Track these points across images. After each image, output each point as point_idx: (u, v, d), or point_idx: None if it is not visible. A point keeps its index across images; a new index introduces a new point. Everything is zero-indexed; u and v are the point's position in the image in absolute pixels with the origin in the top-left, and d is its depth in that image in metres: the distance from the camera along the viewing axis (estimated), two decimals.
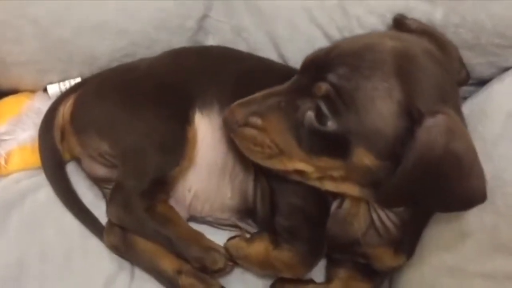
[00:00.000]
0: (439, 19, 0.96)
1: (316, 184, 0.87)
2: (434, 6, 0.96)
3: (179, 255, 0.94)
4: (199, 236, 0.96)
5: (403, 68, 0.77)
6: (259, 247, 0.93)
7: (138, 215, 0.94)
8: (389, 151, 0.76)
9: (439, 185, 0.75)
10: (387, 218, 0.89)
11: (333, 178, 0.85)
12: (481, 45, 0.95)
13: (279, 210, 0.92)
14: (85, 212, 1.02)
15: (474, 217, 0.85)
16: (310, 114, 0.80)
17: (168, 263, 0.94)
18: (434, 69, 0.80)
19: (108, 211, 0.97)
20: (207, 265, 0.93)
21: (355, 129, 0.77)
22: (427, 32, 0.90)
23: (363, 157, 0.78)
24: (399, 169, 0.75)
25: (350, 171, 0.81)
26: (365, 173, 0.80)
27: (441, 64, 0.81)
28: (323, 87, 0.78)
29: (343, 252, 0.96)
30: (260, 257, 0.93)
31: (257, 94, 0.86)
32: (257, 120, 0.84)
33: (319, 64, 0.82)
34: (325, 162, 0.82)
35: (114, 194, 0.96)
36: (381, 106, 0.76)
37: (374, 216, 0.89)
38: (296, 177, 0.88)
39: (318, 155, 0.82)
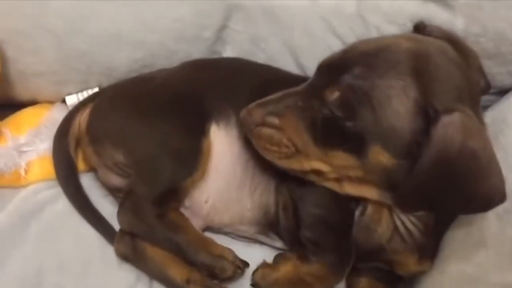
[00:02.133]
0: (460, 28, 0.95)
1: (336, 187, 0.87)
2: (454, 15, 0.96)
3: (189, 262, 0.94)
4: (209, 243, 0.97)
5: (419, 67, 0.77)
6: (287, 267, 0.93)
7: (149, 221, 0.94)
8: (405, 149, 0.76)
9: (456, 185, 0.75)
10: (410, 223, 0.88)
11: (350, 180, 0.85)
12: (501, 54, 0.95)
13: (303, 222, 0.92)
14: (99, 219, 1.02)
15: (495, 227, 0.84)
16: (327, 113, 0.80)
17: (177, 272, 0.94)
18: (450, 69, 0.79)
19: (118, 217, 0.97)
20: (216, 273, 0.94)
21: (371, 127, 0.77)
22: (449, 39, 0.89)
23: (379, 156, 0.78)
24: (416, 169, 0.74)
25: (366, 170, 0.81)
26: (381, 173, 0.80)
27: (458, 66, 0.81)
28: (335, 92, 0.79)
29: (368, 260, 0.95)
30: (290, 276, 0.92)
31: (274, 95, 0.87)
32: (274, 120, 0.85)
33: (334, 66, 0.82)
34: (341, 160, 0.82)
35: (125, 200, 0.96)
36: (397, 104, 0.76)
37: (398, 222, 0.89)
38: (314, 178, 0.88)
39: (335, 154, 0.82)
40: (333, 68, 0.82)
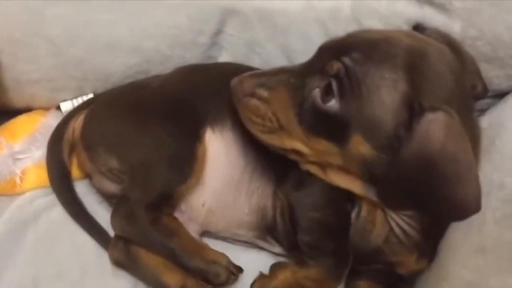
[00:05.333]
0: (457, 32, 0.95)
1: (320, 174, 0.88)
2: (451, 19, 0.96)
3: (182, 267, 0.94)
4: (203, 248, 0.97)
5: (413, 64, 0.77)
6: (285, 274, 0.93)
7: (142, 226, 0.94)
8: (386, 142, 0.76)
9: (433, 186, 0.74)
10: (404, 223, 0.88)
11: (331, 168, 0.85)
12: (499, 58, 0.95)
13: (300, 226, 0.92)
14: (94, 225, 1.02)
15: (494, 232, 0.83)
16: (317, 92, 0.81)
17: (172, 278, 0.94)
18: (444, 72, 0.79)
19: (112, 222, 0.97)
20: (210, 278, 0.94)
21: (356, 114, 0.77)
22: (447, 42, 0.89)
23: (359, 145, 0.78)
24: (395, 162, 0.74)
25: (346, 159, 0.81)
26: (361, 164, 0.80)
27: (453, 71, 0.81)
28: (336, 65, 0.79)
29: (368, 262, 0.95)
30: (288, 282, 0.92)
31: (269, 69, 0.88)
32: (263, 92, 0.86)
33: (335, 48, 0.83)
34: (322, 145, 0.82)
35: (119, 205, 0.96)
36: (385, 95, 0.76)
37: (392, 223, 0.88)
38: (294, 157, 0.88)
39: (316, 137, 0.82)
40: (334, 49, 0.82)
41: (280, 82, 0.85)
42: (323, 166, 0.87)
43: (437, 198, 0.75)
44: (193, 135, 0.98)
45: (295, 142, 0.85)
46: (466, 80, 0.85)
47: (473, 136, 0.86)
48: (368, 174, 0.81)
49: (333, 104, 0.79)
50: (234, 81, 0.88)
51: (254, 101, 0.86)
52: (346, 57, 0.79)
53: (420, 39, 0.84)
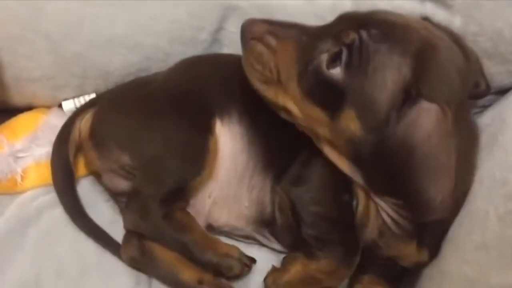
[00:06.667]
0: (458, 27, 0.95)
1: (315, 140, 0.88)
2: (452, 15, 0.95)
3: (195, 261, 0.94)
4: (215, 242, 0.96)
5: (423, 55, 0.77)
6: (296, 267, 0.92)
7: (155, 221, 0.94)
8: (376, 124, 0.76)
9: (408, 175, 0.75)
10: (394, 212, 0.87)
11: (318, 137, 0.85)
12: (500, 54, 0.94)
13: (303, 220, 0.92)
14: (93, 228, 1.02)
15: (496, 229, 0.83)
16: (324, 56, 0.80)
17: (188, 273, 0.94)
18: (450, 70, 0.79)
19: (124, 218, 0.97)
20: (223, 271, 0.94)
21: (356, 88, 0.77)
22: (453, 39, 0.89)
23: (350, 121, 0.78)
24: (378, 143, 0.75)
25: (334, 132, 0.81)
26: (347, 140, 0.80)
27: (460, 73, 0.81)
28: (352, 35, 0.78)
29: (368, 257, 0.94)
30: (300, 275, 0.92)
31: (284, 20, 0.87)
32: (272, 40, 0.85)
33: (355, 19, 0.82)
34: (314, 111, 0.82)
35: (131, 201, 0.96)
36: (388, 76, 0.76)
37: (383, 214, 0.88)
38: (283, 116, 0.88)
39: (311, 101, 0.82)
40: (353, 20, 0.82)
41: (291, 35, 0.85)
42: (315, 134, 0.87)
43: (409, 189, 0.76)
44: (204, 127, 0.98)
45: (288, 101, 0.85)
46: (469, 79, 0.85)
47: (469, 139, 0.87)
48: (354, 154, 0.81)
49: (337, 72, 0.78)
50: (246, 21, 0.87)
51: (260, 46, 0.86)
52: (364, 30, 0.78)
53: (436, 35, 0.84)
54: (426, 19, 0.95)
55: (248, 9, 1.10)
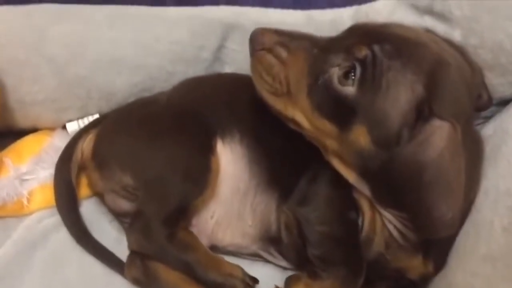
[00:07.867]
0: (458, 40, 0.95)
1: (324, 151, 0.87)
2: (452, 27, 0.95)
3: (199, 281, 0.93)
4: (219, 261, 0.96)
5: (436, 72, 0.77)
6: (300, 287, 0.92)
7: (158, 241, 0.93)
8: (386, 140, 0.76)
9: (418, 194, 0.74)
10: (400, 224, 0.87)
11: (326, 149, 0.85)
12: (501, 65, 0.94)
13: (308, 240, 0.91)
14: (98, 248, 1.02)
15: (502, 240, 0.83)
16: (336, 70, 0.79)
17: None
18: (460, 86, 0.80)
19: (128, 238, 0.97)
20: None
21: (368, 105, 0.77)
22: (458, 52, 0.89)
23: (361, 136, 0.78)
24: (389, 160, 0.75)
25: (342, 146, 0.81)
26: (356, 154, 0.79)
27: (468, 87, 0.81)
28: (365, 51, 0.77)
29: (376, 272, 0.94)
30: None
31: (295, 31, 0.86)
32: (283, 52, 0.84)
33: (367, 33, 0.82)
34: (323, 124, 0.82)
35: (135, 221, 0.96)
36: (401, 94, 0.75)
37: (389, 226, 0.88)
38: (292, 126, 0.88)
39: (320, 114, 0.82)
40: (365, 34, 0.81)
41: (302, 48, 0.84)
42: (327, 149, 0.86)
43: (419, 206, 0.76)
44: (206, 147, 0.98)
45: (297, 113, 0.85)
46: (474, 92, 0.85)
47: (474, 150, 0.86)
48: (362, 167, 0.80)
49: (349, 88, 0.78)
50: (256, 30, 0.87)
51: (270, 58, 0.85)
52: (378, 45, 0.78)
53: (447, 51, 0.84)
54: (429, 31, 0.95)
55: (248, 27, 1.09)
